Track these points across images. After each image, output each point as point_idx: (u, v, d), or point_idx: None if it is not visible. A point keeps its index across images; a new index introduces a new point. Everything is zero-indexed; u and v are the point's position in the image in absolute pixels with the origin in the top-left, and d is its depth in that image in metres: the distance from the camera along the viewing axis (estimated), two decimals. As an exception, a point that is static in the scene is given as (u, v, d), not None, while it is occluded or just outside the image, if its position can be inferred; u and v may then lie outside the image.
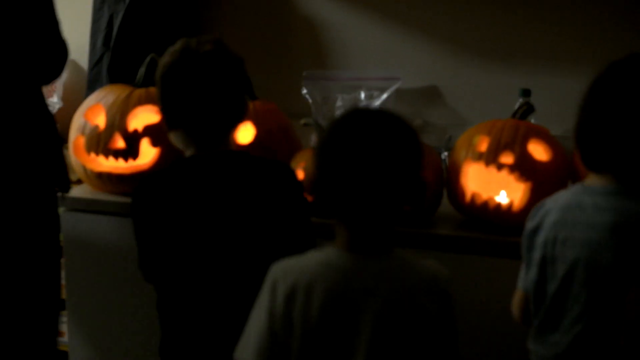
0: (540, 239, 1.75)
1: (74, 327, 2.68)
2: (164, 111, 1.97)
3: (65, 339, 2.89)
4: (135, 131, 2.45)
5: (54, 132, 2.42)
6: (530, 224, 1.79)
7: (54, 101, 3.25)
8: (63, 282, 2.74)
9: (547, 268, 1.73)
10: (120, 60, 2.95)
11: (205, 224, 1.88)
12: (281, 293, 1.54)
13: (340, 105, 2.77)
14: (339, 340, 1.52)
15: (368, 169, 1.49)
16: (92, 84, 3.03)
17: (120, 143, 2.46)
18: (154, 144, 2.46)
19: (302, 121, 2.41)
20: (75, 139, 2.53)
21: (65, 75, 3.25)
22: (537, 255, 1.75)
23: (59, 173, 2.44)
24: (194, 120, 1.91)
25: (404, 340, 1.53)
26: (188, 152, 1.95)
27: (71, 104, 3.22)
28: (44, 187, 2.40)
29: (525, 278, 1.81)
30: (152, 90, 2.51)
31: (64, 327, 2.91)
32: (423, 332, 1.54)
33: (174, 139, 1.96)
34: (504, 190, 2.21)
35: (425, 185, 1.57)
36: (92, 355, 2.66)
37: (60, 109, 3.25)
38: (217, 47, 1.92)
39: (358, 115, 1.57)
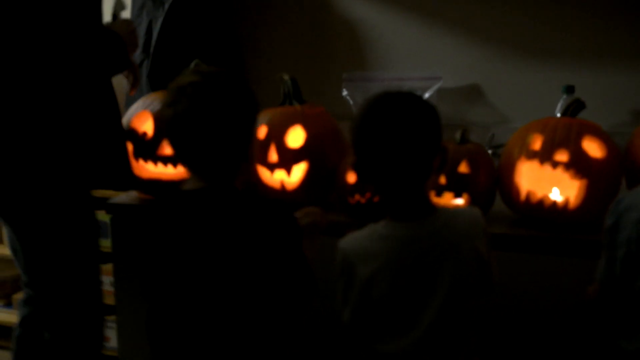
0: (622, 236, 1.74)
1: (123, 332, 2.69)
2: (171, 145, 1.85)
3: (113, 344, 2.90)
4: (184, 137, 2.45)
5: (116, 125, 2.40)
6: (609, 220, 1.79)
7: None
8: (111, 288, 2.76)
9: (633, 265, 1.73)
10: (161, 66, 2.96)
11: (198, 264, 1.80)
12: (361, 274, 1.75)
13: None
14: (411, 300, 1.72)
15: (400, 144, 1.68)
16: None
17: (168, 150, 2.46)
18: (203, 149, 2.46)
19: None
20: (123, 145, 2.54)
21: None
22: (620, 253, 1.75)
23: (121, 169, 2.42)
24: (195, 156, 1.81)
25: (465, 282, 1.71)
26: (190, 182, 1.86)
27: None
28: (80, 189, 2.36)
29: (606, 273, 1.81)
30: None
31: (112, 333, 2.93)
32: (478, 270, 1.73)
33: None
34: (556, 188, 2.20)
35: (447, 150, 1.75)
36: (141, 358, 2.67)
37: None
38: (226, 82, 1.81)
39: (387, 97, 1.74)
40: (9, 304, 3.15)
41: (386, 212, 1.77)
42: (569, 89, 2.61)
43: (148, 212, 1.92)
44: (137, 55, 3.03)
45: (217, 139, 1.76)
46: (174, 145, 1.81)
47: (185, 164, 1.83)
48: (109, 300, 2.81)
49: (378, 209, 1.87)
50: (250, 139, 1.84)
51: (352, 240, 1.80)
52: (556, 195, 2.20)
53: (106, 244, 2.79)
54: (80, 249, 2.36)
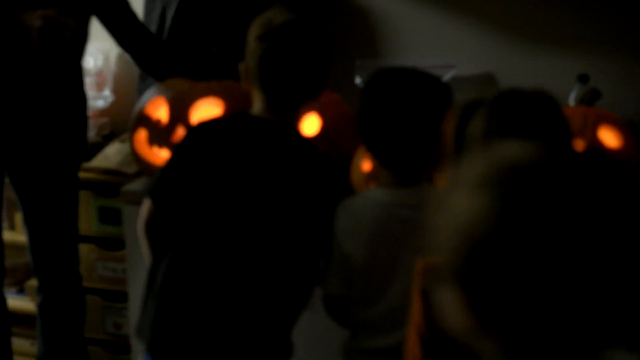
0: None
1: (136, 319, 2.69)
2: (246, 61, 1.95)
3: (126, 331, 2.91)
4: (199, 124, 2.45)
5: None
6: None
7: (106, 94, 3.26)
8: (124, 275, 2.77)
9: None
10: (175, 52, 2.94)
11: (231, 189, 1.86)
12: (340, 228, 1.85)
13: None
14: (384, 263, 1.80)
15: (398, 118, 1.77)
16: (145, 77, 3.02)
17: (183, 136, 2.46)
18: (218, 136, 2.46)
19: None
20: (137, 132, 2.54)
21: (115, 68, 3.26)
22: None
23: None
24: (271, 81, 1.91)
25: None
26: (255, 106, 1.94)
27: (122, 97, 3.23)
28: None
29: None
30: (213, 83, 2.52)
31: (125, 321, 2.94)
32: None
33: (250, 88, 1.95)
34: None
35: (441, 133, 1.75)
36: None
37: (112, 103, 3.26)
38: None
39: (391, 74, 1.86)
40: (21, 291, 3.16)
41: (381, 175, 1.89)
42: (583, 78, 2.60)
43: (214, 127, 1.96)
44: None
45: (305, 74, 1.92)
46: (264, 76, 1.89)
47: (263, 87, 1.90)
48: (122, 287, 2.82)
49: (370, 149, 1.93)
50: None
51: (348, 200, 1.90)
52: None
53: (119, 230, 2.80)
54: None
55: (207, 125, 1.98)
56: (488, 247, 0.81)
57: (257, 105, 1.92)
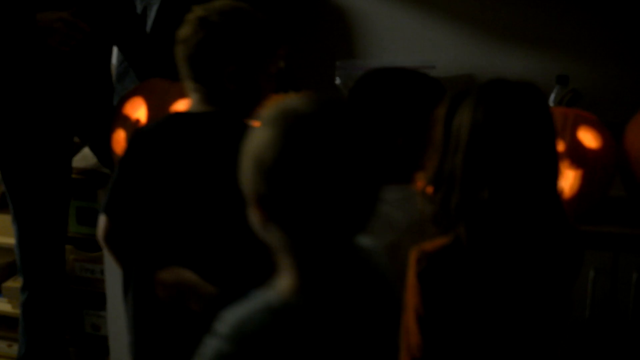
0: None
1: (113, 320, 2.67)
2: None
3: (104, 332, 2.90)
4: (177, 124, 2.43)
5: None
6: None
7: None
8: (102, 276, 2.75)
9: None
10: (156, 52, 2.93)
11: (182, 191, 1.84)
12: None
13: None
14: None
15: (376, 117, 1.79)
16: (122, 77, 3.00)
17: (162, 136, 2.44)
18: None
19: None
20: (116, 133, 2.52)
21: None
22: None
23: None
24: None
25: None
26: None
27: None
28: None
29: None
30: (192, 82, 2.50)
31: (103, 322, 2.92)
32: None
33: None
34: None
35: (423, 134, 1.76)
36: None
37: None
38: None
39: (377, 74, 1.91)
40: (-2, 292, 3.14)
41: None
42: (562, 79, 2.60)
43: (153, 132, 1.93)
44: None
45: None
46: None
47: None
48: (101, 288, 2.80)
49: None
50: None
51: None
52: (551, 185, 2.20)
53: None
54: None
55: (145, 132, 1.96)
56: (273, 167, 1.17)
57: (193, 101, 1.92)
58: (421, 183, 1.61)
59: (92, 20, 2.47)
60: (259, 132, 1.20)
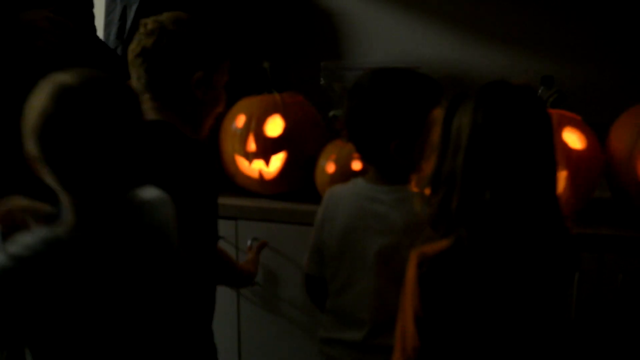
0: None
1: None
2: None
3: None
4: (161, 125, 2.42)
5: None
6: None
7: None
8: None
9: None
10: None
11: None
12: (321, 212, 1.95)
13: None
14: (352, 253, 1.87)
15: (386, 121, 1.81)
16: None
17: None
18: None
19: (331, 113, 2.40)
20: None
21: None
22: None
23: None
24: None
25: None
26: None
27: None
28: None
29: None
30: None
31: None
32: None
33: None
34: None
35: (420, 137, 1.77)
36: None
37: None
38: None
39: (379, 74, 1.90)
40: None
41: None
42: (547, 80, 2.59)
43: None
44: (110, 42, 2.98)
45: None
46: None
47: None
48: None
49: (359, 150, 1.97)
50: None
51: (337, 185, 2.00)
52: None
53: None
54: None
55: None
56: (47, 130, 1.40)
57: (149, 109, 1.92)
58: (418, 184, 1.61)
59: (72, 17, 2.46)
60: (35, 100, 1.44)
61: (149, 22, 1.92)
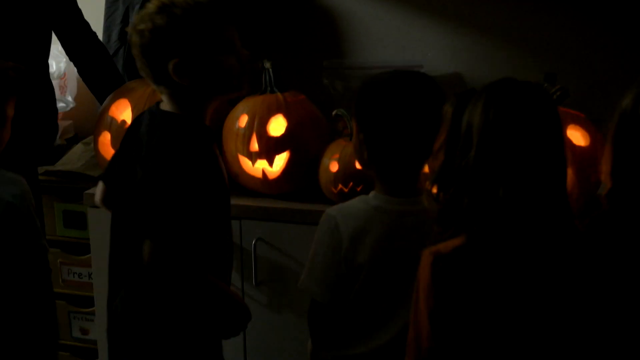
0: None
1: (102, 324, 2.64)
2: None
3: (93, 336, 2.88)
4: (164, 126, 2.42)
5: None
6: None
7: (68, 100, 3.22)
8: (91, 279, 2.73)
9: None
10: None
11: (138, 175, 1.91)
12: (346, 235, 1.78)
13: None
14: (397, 270, 1.77)
15: (407, 121, 1.73)
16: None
17: (148, 138, 2.43)
18: (183, 138, 2.43)
19: (334, 112, 2.40)
20: (101, 135, 2.50)
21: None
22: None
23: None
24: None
25: None
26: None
27: (85, 100, 3.20)
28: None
29: None
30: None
31: (92, 325, 2.90)
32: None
33: None
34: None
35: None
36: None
37: (75, 106, 3.23)
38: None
39: (397, 79, 1.82)
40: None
41: (380, 184, 1.83)
42: (550, 77, 2.59)
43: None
44: (112, 44, 2.99)
45: None
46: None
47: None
48: (89, 292, 2.79)
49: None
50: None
51: (342, 206, 1.87)
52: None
53: (84, 234, 2.75)
54: None
55: (134, 120, 2.03)
56: None
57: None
58: (426, 182, 1.61)
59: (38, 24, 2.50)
60: None
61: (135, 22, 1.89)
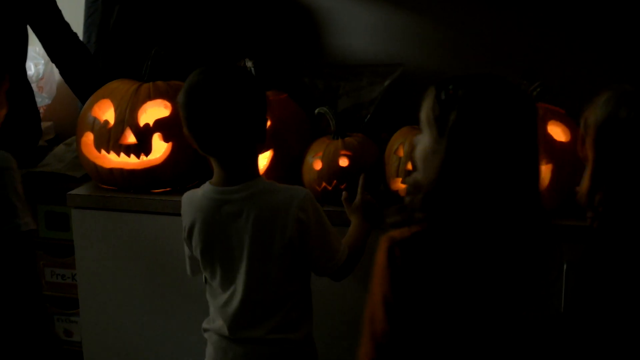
0: None
1: (87, 325, 2.65)
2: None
3: (77, 338, 2.87)
4: (147, 126, 2.42)
5: None
6: None
7: (43, 96, 3.20)
8: (74, 281, 2.72)
9: None
10: (118, 54, 2.91)
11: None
12: (185, 224, 1.98)
13: (341, 92, 2.76)
14: (223, 254, 1.92)
15: (220, 118, 1.81)
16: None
17: (131, 138, 2.43)
18: (166, 138, 2.44)
19: (317, 110, 2.40)
20: (84, 136, 2.50)
21: (56, 71, 3.21)
22: None
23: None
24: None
25: (271, 249, 1.88)
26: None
27: (66, 100, 3.18)
28: None
29: None
30: (160, 84, 2.49)
31: (75, 327, 2.89)
32: (285, 242, 1.87)
33: None
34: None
35: (266, 121, 1.93)
36: (106, 352, 2.64)
37: (50, 105, 3.22)
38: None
39: (207, 70, 1.86)
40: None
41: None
42: (530, 73, 2.62)
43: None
44: (92, 44, 2.98)
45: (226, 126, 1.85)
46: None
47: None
48: (72, 293, 2.78)
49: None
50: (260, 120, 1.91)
51: (187, 194, 2.01)
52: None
53: (68, 236, 2.75)
54: None
55: None
56: None
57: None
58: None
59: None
60: None
61: None
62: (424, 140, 1.58)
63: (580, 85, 2.70)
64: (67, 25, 2.80)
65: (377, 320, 1.56)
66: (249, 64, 2.51)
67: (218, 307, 1.97)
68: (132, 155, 2.43)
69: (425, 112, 1.57)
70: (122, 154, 2.44)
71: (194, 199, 1.97)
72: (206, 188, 1.94)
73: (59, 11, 2.79)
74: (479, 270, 1.54)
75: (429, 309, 1.54)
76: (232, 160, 1.88)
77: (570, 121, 2.23)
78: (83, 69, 2.80)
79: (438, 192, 1.51)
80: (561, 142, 2.19)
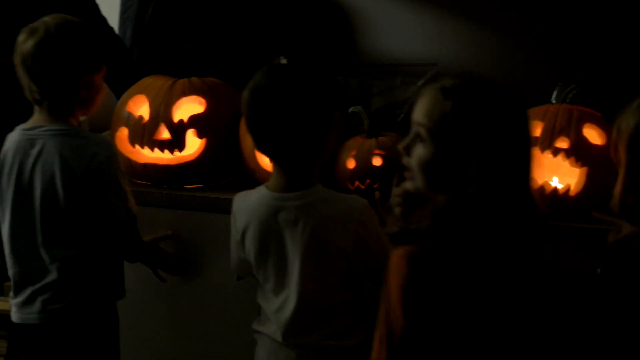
0: None
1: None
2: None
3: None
4: (181, 122, 2.44)
5: None
6: None
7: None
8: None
9: None
10: (153, 50, 2.93)
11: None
12: (239, 227, 1.97)
13: (375, 92, 2.76)
14: (276, 260, 1.92)
15: (282, 125, 1.81)
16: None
17: (165, 134, 2.44)
18: (200, 135, 2.45)
19: (350, 109, 2.40)
20: (118, 130, 2.51)
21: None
22: None
23: None
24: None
25: (326, 258, 1.88)
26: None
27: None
28: None
29: None
30: (195, 80, 2.50)
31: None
32: (341, 253, 1.88)
33: None
34: (556, 177, 2.21)
35: (327, 137, 1.88)
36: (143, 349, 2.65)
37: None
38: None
39: (275, 70, 1.87)
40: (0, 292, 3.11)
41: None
42: (566, 76, 2.61)
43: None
44: (126, 39, 3.00)
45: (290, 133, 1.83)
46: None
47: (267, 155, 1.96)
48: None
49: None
50: (324, 134, 1.88)
51: (240, 195, 2.01)
52: (557, 183, 2.21)
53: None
54: None
55: None
56: None
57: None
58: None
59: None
60: None
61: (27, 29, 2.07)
62: (420, 151, 1.58)
63: (617, 88, 2.69)
64: (103, 19, 2.82)
65: (396, 334, 1.54)
66: (283, 61, 2.51)
67: (271, 311, 1.97)
68: (166, 151, 2.45)
69: (421, 117, 1.59)
70: (156, 149, 2.45)
71: (249, 201, 1.96)
72: (262, 192, 1.94)
73: (97, 5, 2.81)
74: (489, 279, 1.54)
75: (446, 321, 1.53)
76: (290, 167, 1.88)
77: (606, 124, 2.22)
78: (119, 64, 2.81)
79: (452, 211, 1.52)
80: (596, 146, 2.18)
